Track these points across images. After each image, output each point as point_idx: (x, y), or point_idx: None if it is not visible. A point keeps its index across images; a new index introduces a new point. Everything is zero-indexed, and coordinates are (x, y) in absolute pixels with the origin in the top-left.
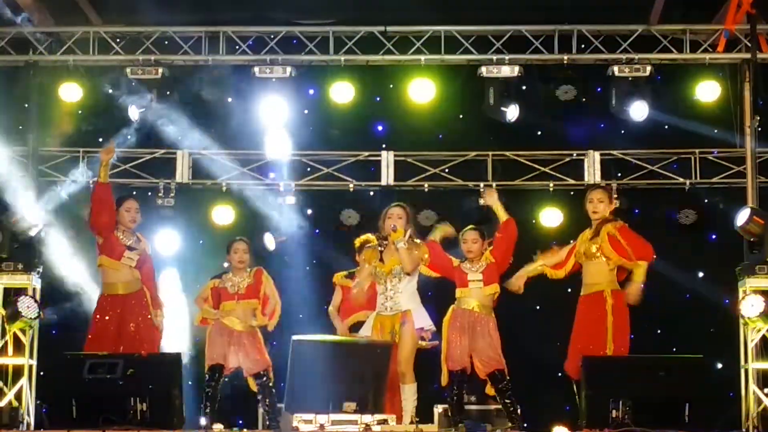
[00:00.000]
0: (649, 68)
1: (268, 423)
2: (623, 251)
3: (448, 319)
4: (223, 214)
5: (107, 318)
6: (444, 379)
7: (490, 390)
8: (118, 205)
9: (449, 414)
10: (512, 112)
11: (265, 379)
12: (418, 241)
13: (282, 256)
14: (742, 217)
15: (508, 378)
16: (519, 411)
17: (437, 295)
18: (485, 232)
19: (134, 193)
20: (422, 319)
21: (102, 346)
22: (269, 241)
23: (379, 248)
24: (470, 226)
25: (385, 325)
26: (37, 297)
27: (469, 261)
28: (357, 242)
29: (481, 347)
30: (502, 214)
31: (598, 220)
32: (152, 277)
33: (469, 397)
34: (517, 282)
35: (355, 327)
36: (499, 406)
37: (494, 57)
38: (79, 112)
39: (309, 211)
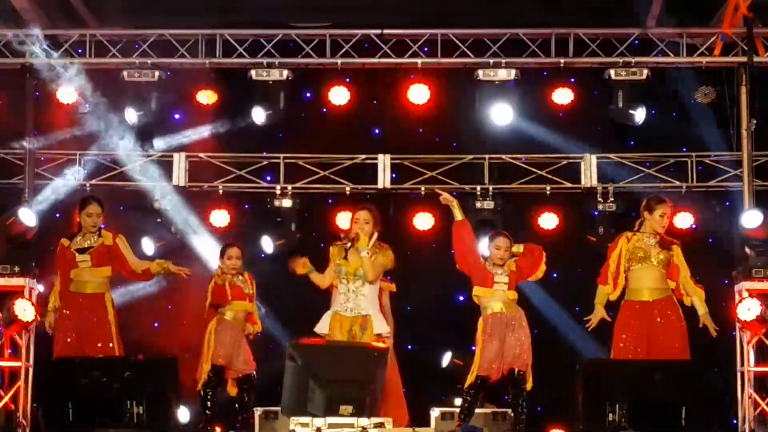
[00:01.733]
0: (645, 71)
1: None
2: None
3: (480, 330)
4: (220, 218)
5: (67, 312)
6: (467, 383)
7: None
8: (80, 209)
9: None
10: (502, 115)
11: (252, 382)
12: (383, 246)
13: (278, 259)
14: (752, 219)
15: (525, 380)
16: (523, 417)
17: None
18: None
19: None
20: (381, 325)
21: (60, 342)
22: (267, 244)
23: (346, 247)
24: (501, 232)
25: (344, 324)
26: (34, 300)
27: (493, 265)
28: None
29: (509, 343)
30: (458, 214)
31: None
32: (124, 261)
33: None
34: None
35: None
36: (496, 409)
37: (491, 60)
38: (76, 114)
39: (305, 214)
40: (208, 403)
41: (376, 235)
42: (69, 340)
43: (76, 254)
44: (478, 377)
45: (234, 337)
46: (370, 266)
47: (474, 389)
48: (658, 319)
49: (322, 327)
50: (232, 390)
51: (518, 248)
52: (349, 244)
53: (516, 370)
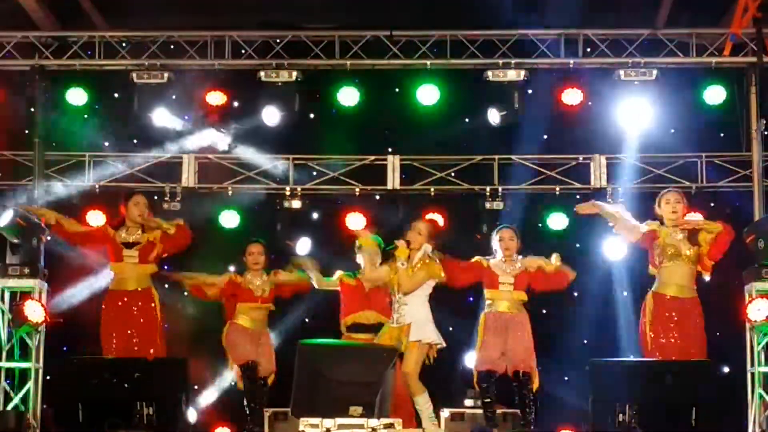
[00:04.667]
0: (655, 72)
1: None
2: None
3: (482, 325)
4: (229, 219)
5: (112, 312)
6: (475, 380)
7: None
8: (126, 199)
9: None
10: (494, 116)
11: (267, 383)
12: (432, 256)
13: (287, 259)
14: None
15: (531, 381)
16: (532, 418)
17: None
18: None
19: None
20: (420, 332)
21: (107, 341)
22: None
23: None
24: (504, 225)
25: (393, 336)
26: (43, 301)
27: (501, 261)
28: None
29: (511, 345)
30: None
31: (675, 220)
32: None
33: (476, 401)
34: (588, 208)
35: (354, 327)
36: (507, 410)
37: (500, 61)
38: (85, 116)
39: (315, 215)
40: (250, 400)
41: (429, 248)
42: (117, 341)
43: (123, 248)
44: (481, 373)
45: (251, 335)
46: (405, 278)
47: (483, 384)
48: (687, 317)
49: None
50: (240, 383)
51: (556, 261)
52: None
53: (521, 372)
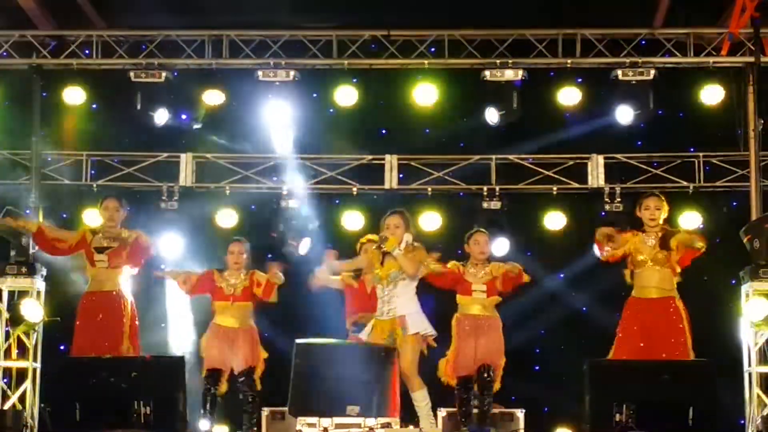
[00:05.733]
0: (653, 72)
1: (245, 426)
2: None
3: (454, 329)
4: (227, 218)
5: (81, 312)
6: (455, 385)
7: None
8: (99, 205)
9: (458, 418)
10: (491, 116)
11: (246, 378)
12: (416, 244)
13: (285, 259)
14: None
15: (493, 379)
16: (490, 411)
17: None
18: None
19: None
20: (418, 324)
21: (80, 341)
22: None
23: (382, 251)
24: (479, 229)
25: (384, 329)
26: (41, 300)
27: (474, 266)
28: (358, 244)
29: (482, 343)
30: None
31: (655, 227)
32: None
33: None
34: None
35: (357, 327)
36: (503, 409)
37: (498, 61)
38: (83, 115)
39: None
40: (207, 404)
41: (410, 237)
42: (79, 339)
43: (95, 253)
44: (459, 379)
45: (226, 336)
46: (406, 262)
47: (461, 390)
48: (659, 315)
49: (365, 335)
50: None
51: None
52: (380, 248)
53: (485, 365)
